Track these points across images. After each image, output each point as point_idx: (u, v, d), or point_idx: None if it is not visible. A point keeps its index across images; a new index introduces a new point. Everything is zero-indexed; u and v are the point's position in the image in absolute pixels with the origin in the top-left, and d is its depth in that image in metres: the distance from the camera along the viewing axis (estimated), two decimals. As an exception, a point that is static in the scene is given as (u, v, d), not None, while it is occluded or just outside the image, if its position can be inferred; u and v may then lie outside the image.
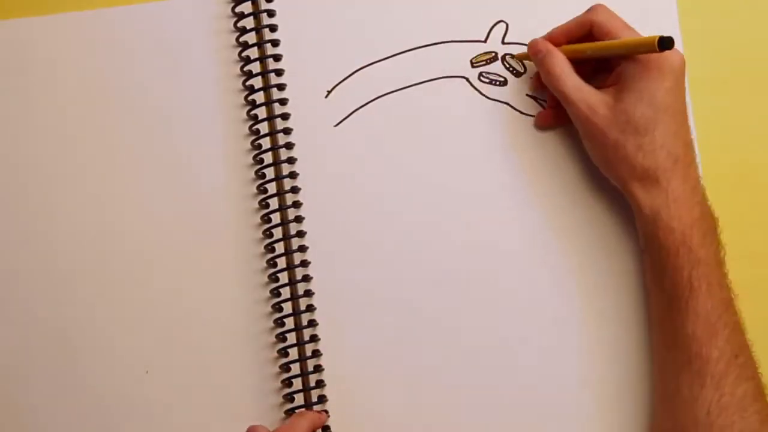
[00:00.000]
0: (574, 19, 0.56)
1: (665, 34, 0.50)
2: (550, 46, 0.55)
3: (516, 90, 0.59)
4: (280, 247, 0.57)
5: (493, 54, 0.59)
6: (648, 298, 0.55)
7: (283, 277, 0.57)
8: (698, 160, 0.57)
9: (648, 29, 0.58)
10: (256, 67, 0.58)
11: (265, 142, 0.58)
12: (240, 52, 0.58)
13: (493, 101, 0.59)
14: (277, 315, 0.57)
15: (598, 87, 0.54)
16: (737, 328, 0.51)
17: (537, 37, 0.57)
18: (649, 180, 0.51)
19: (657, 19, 0.59)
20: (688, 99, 0.58)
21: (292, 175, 0.58)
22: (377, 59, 0.59)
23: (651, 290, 0.54)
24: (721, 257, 0.52)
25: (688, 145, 0.52)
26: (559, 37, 0.56)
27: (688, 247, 0.50)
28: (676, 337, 0.50)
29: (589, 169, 0.58)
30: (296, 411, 0.56)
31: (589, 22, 0.54)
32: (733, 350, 0.50)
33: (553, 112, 0.57)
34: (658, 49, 0.50)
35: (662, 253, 0.51)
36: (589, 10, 0.55)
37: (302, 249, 0.58)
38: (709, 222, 0.52)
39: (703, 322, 0.50)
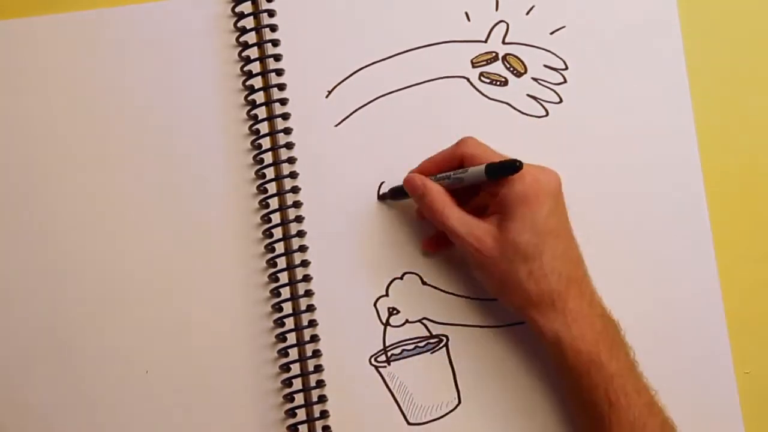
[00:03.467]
0: (443, 152, 0.55)
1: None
2: (427, 182, 0.54)
3: (516, 90, 0.59)
4: (280, 247, 0.57)
5: (494, 54, 0.59)
6: (570, 415, 0.56)
7: (283, 277, 0.57)
8: (698, 159, 0.58)
9: (648, 29, 0.59)
10: (256, 67, 0.58)
11: (265, 142, 0.58)
12: (240, 52, 0.58)
13: (494, 101, 0.59)
14: (277, 315, 0.57)
15: (480, 214, 0.53)
16: (666, 426, 0.51)
17: (537, 38, 0.57)
18: (545, 304, 0.51)
19: (657, 19, 0.59)
20: (688, 98, 0.58)
21: (293, 175, 0.58)
22: (377, 59, 0.59)
23: (571, 408, 0.54)
24: (632, 361, 0.52)
25: (578, 262, 0.52)
26: (430, 169, 0.55)
27: (598, 364, 0.50)
28: None
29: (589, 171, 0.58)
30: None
31: (459, 155, 0.54)
32: None
33: (439, 238, 0.57)
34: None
35: (573, 374, 0.51)
36: (457, 143, 0.55)
37: (302, 249, 0.58)
38: (612, 331, 0.52)
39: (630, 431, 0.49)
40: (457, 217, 0.53)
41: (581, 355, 0.50)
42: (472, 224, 0.52)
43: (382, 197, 0.58)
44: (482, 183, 0.52)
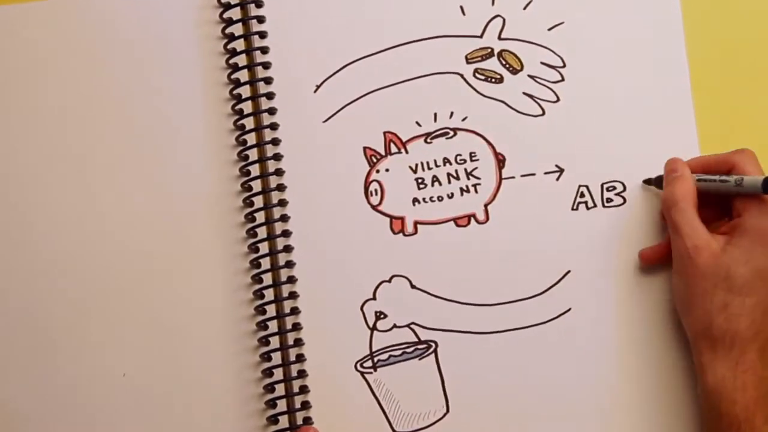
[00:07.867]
0: (716, 154, 0.54)
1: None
2: (687, 172, 0.53)
3: (512, 88, 0.58)
4: (264, 248, 0.56)
5: (489, 50, 0.58)
6: None
7: (267, 279, 0.56)
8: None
9: (649, 26, 0.58)
10: (242, 60, 0.57)
11: (251, 138, 0.57)
12: (226, 44, 0.57)
13: (489, 99, 0.58)
14: (261, 317, 0.56)
15: (712, 231, 0.52)
16: None
17: (535, 34, 0.57)
18: (723, 344, 0.49)
19: (658, 16, 0.58)
20: (689, 98, 0.57)
21: (278, 173, 0.57)
22: (368, 53, 0.58)
23: None
24: None
25: None
26: (696, 168, 0.54)
27: (751, 423, 0.48)
28: None
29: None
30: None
31: (732, 162, 0.52)
32: None
33: (660, 250, 0.55)
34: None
35: (722, 425, 0.49)
36: (735, 151, 0.53)
37: (287, 249, 0.56)
38: None
39: None
40: (689, 216, 0.51)
41: (736, 407, 0.48)
42: (698, 230, 0.51)
43: (647, 182, 0.56)
44: (739, 196, 0.51)
